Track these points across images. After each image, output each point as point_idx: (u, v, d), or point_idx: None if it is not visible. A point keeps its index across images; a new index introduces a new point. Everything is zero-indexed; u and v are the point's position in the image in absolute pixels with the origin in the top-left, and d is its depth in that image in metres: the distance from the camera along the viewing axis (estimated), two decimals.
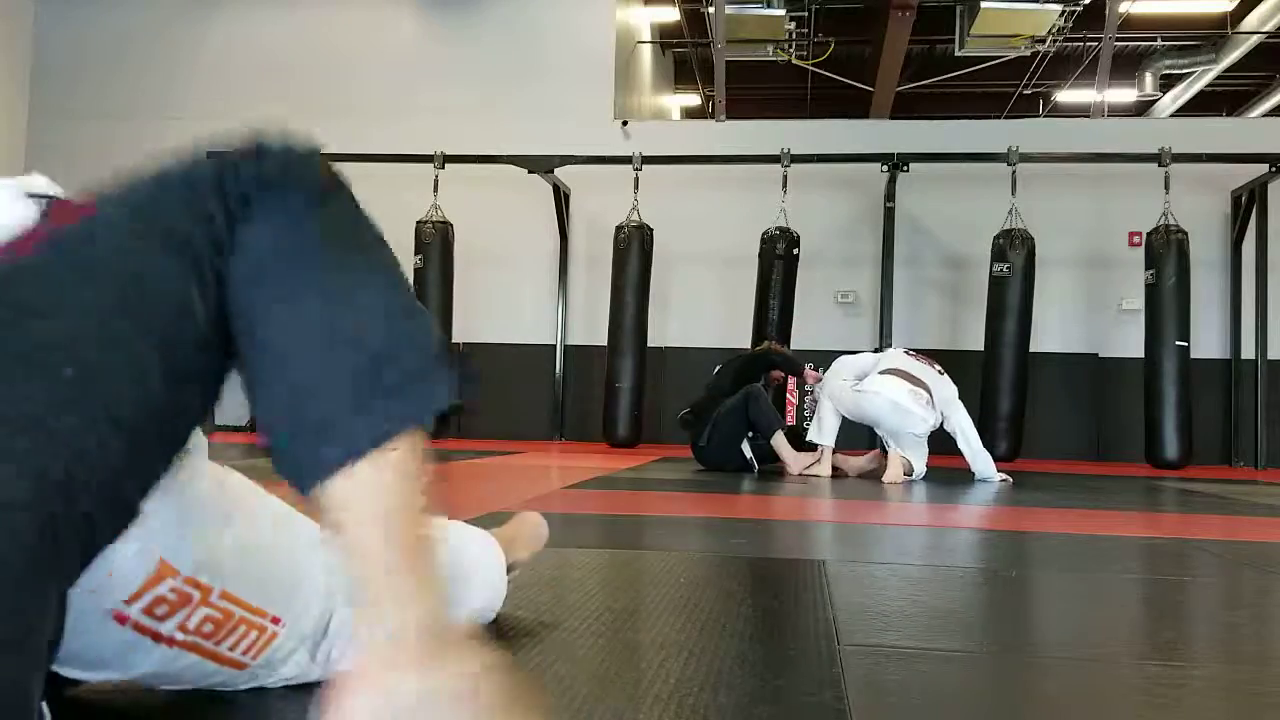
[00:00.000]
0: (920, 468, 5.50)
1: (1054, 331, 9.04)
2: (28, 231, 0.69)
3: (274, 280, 0.72)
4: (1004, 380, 8.11)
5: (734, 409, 5.65)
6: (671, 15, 12.29)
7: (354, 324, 0.73)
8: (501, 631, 1.54)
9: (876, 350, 6.57)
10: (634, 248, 8.55)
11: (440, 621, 0.71)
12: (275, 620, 1.03)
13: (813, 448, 5.67)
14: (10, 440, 0.59)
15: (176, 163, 0.73)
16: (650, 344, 8.71)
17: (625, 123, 9.82)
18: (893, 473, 5.33)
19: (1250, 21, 11.10)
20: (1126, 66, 12.40)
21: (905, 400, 5.28)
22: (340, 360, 0.72)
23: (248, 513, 1.04)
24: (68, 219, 0.70)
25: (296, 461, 0.70)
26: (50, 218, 0.72)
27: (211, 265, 0.71)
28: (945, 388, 5.55)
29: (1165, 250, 7.92)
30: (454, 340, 8.97)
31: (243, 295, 0.71)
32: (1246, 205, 8.71)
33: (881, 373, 5.46)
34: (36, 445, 0.60)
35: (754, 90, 13.77)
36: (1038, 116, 13.55)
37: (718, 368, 6.28)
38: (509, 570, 1.47)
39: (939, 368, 5.65)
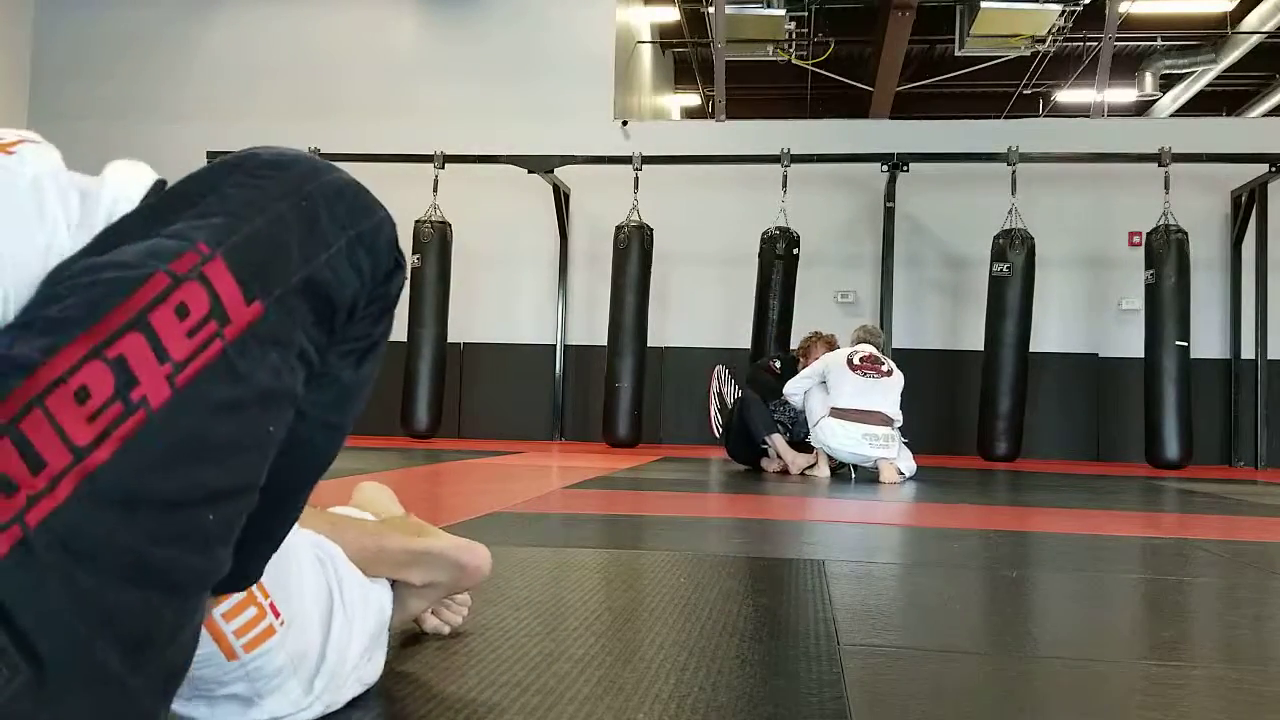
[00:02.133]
0: (909, 466, 5.50)
1: (1054, 331, 9.04)
2: None
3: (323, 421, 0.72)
4: (1004, 380, 8.11)
5: (738, 415, 6.01)
6: (671, 15, 12.29)
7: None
8: (501, 631, 1.54)
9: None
10: (634, 248, 8.55)
11: None
12: (274, 610, 0.99)
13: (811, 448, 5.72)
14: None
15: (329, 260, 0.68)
16: (650, 344, 8.71)
17: (625, 123, 9.83)
18: (888, 474, 5.34)
19: (1250, 21, 11.10)
20: (1126, 66, 12.40)
21: (862, 449, 5.37)
22: (286, 520, 0.78)
23: None
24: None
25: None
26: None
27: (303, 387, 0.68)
28: (897, 390, 5.56)
29: (1165, 250, 7.92)
30: (452, 341, 8.98)
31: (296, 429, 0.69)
32: (1246, 205, 8.71)
33: (833, 414, 5.42)
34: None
35: (754, 90, 13.78)
36: (1038, 116, 13.54)
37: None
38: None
39: (887, 365, 5.62)
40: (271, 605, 0.99)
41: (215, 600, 0.93)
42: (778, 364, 6.31)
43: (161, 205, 0.67)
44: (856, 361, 5.55)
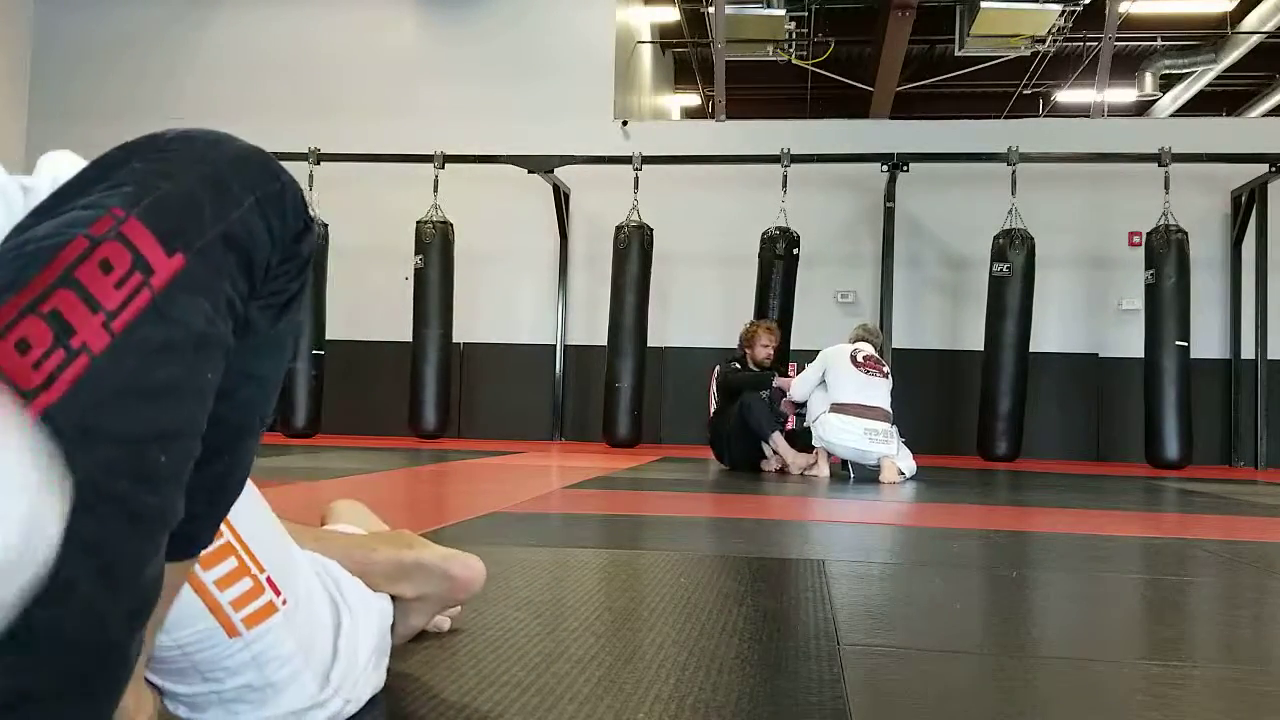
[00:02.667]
0: (909, 466, 5.51)
1: (1054, 331, 9.04)
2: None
3: (255, 367, 0.76)
4: (1004, 380, 8.11)
5: (738, 419, 5.97)
6: (671, 15, 12.29)
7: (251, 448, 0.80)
8: (501, 631, 1.54)
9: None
10: (634, 248, 8.55)
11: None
12: (273, 585, 0.97)
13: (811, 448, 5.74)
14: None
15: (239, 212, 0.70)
16: (650, 344, 8.71)
17: (625, 122, 9.83)
18: (889, 473, 5.35)
19: (1250, 21, 11.10)
20: (1126, 66, 12.40)
21: (862, 444, 5.40)
22: (239, 472, 0.79)
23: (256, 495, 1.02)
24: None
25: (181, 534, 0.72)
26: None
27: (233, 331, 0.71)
28: (890, 388, 5.64)
29: (1165, 250, 7.92)
30: (455, 341, 8.98)
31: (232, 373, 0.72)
32: (1246, 205, 8.71)
33: (833, 410, 5.46)
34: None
35: (754, 90, 13.77)
36: (1038, 116, 13.54)
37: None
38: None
39: (886, 366, 5.71)
40: (269, 580, 0.98)
41: (214, 564, 0.92)
42: (737, 364, 6.33)
43: (74, 184, 0.70)
44: (860, 359, 5.57)
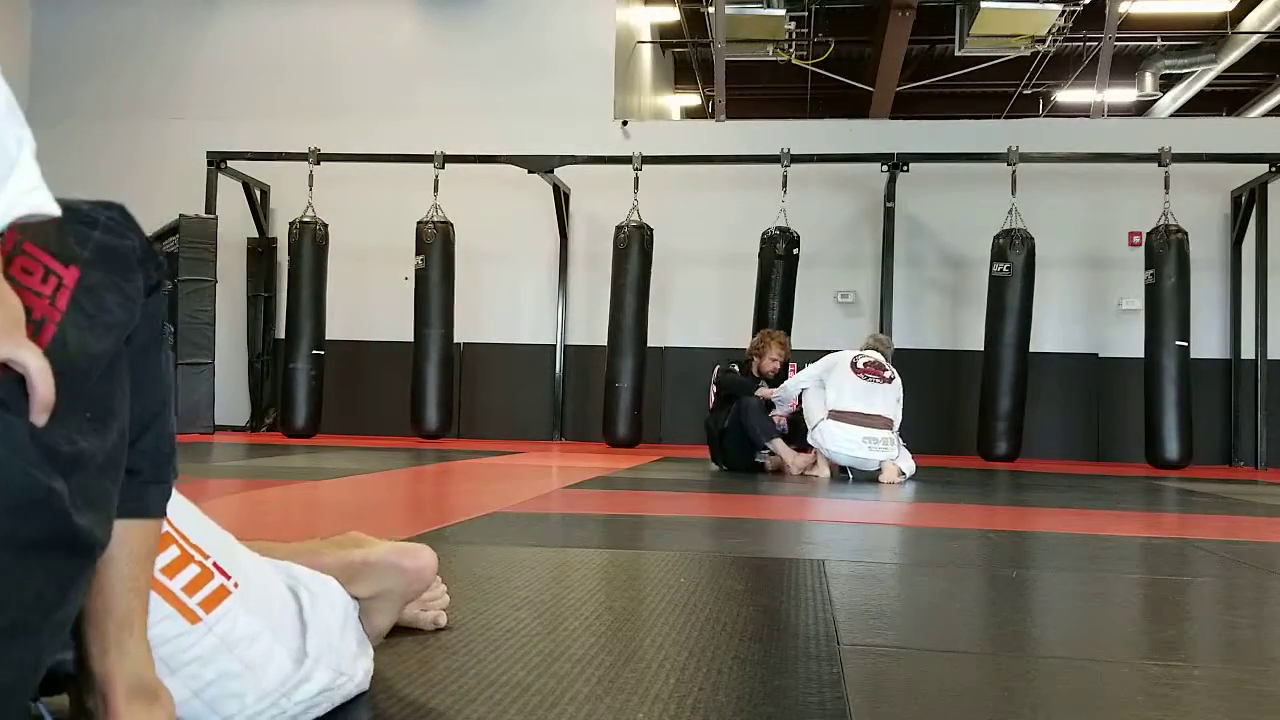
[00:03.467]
0: (909, 466, 5.50)
1: (1054, 331, 9.04)
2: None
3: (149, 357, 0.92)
4: (1004, 380, 8.11)
5: (734, 421, 5.93)
6: (671, 15, 12.29)
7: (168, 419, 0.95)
8: (501, 631, 1.54)
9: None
10: (634, 248, 8.55)
11: (144, 680, 0.90)
12: (221, 570, 1.00)
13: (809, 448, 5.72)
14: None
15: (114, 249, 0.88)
16: (650, 344, 8.71)
17: (625, 123, 9.83)
18: (889, 473, 5.34)
19: (1250, 21, 11.10)
20: (1126, 66, 12.40)
21: (862, 452, 5.38)
22: (165, 443, 0.94)
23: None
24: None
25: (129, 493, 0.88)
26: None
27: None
28: (895, 395, 5.58)
29: (1165, 250, 7.92)
30: (455, 341, 8.98)
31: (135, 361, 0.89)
32: (1246, 205, 8.71)
33: (832, 417, 5.43)
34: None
35: (754, 90, 13.78)
36: (1038, 116, 13.55)
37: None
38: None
39: (889, 372, 5.64)
40: (216, 565, 1.01)
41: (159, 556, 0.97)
42: (735, 367, 6.28)
43: None
44: (860, 365, 5.55)
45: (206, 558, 1.00)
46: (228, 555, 1.03)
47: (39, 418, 0.75)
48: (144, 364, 0.90)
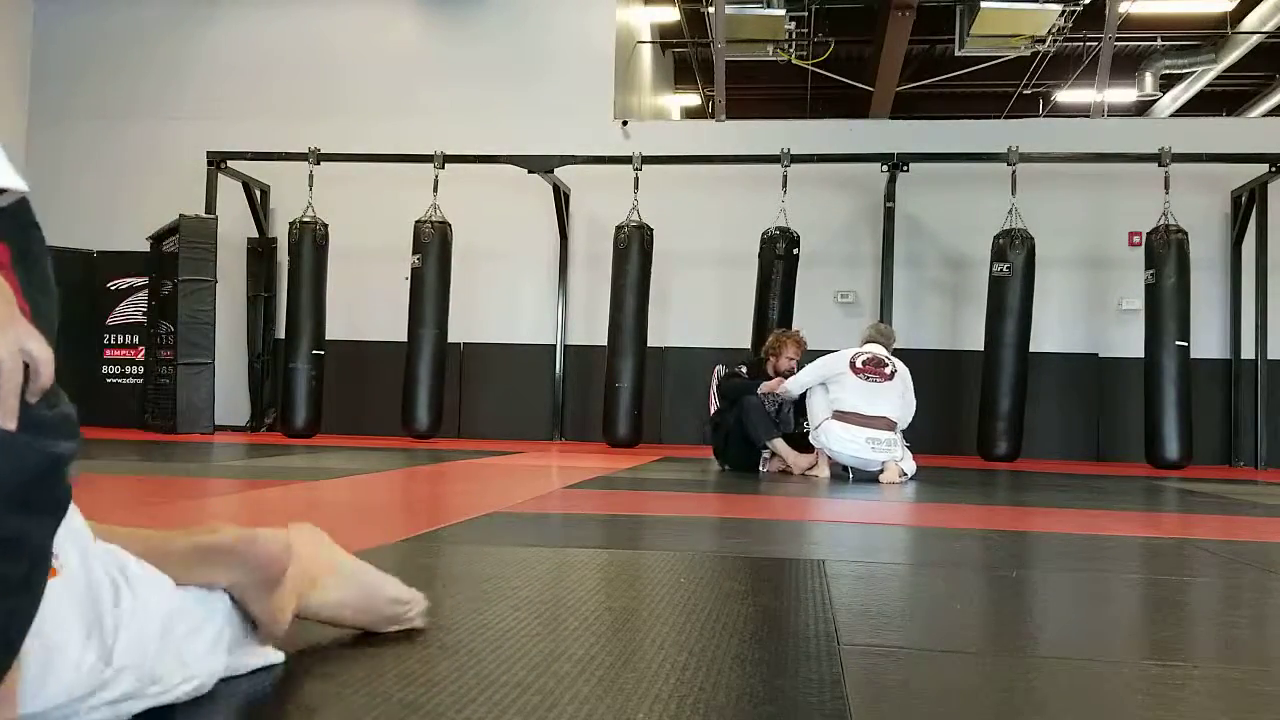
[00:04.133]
0: (910, 466, 5.49)
1: (1054, 331, 9.04)
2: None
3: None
4: (1004, 380, 8.11)
5: (736, 423, 5.93)
6: (671, 15, 12.29)
7: None
8: (501, 631, 1.54)
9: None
10: (634, 248, 8.55)
11: None
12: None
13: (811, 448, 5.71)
14: None
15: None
16: (650, 344, 8.71)
17: (625, 123, 9.83)
18: (891, 473, 5.33)
19: (1250, 21, 11.11)
20: (1126, 66, 12.40)
21: (865, 453, 5.37)
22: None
23: None
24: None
25: None
26: None
27: None
28: (899, 391, 5.53)
29: (1165, 250, 7.92)
30: (452, 341, 8.98)
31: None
32: (1246, 205, 8.71)
33: (835, 417, 5.42)
34: None
35: (754, 90, 13.78)
36: (1038, 116, 13.55)
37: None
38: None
39: (891, 367, 5.57)
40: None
41: None
42: (744, 369, 6.26)
43: None
44: (859, 365, 5.52)
45: None
46: (63, 537, 0.97)
47: (34, 398, 0.78)
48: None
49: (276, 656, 1.29)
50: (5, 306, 0.77)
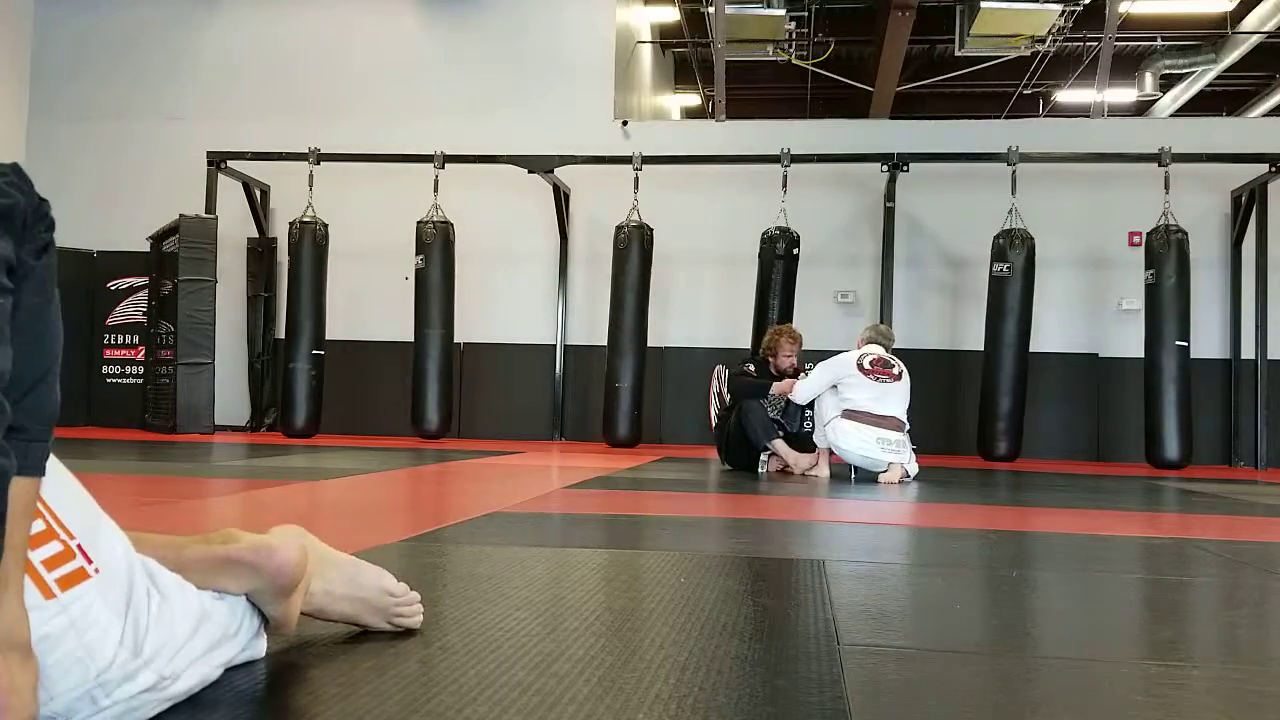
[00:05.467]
0: (913, 468, 5.49)
1: (1054, 331, 9.04)
2: None
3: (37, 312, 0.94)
4: (1004, 380, 8.11)
5: (736, 423, 5.96)
6: (671, 15, 12.29)
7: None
8: (501, 631, 1.54)
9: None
10: (634, 248, 8.55)
11: (19, 636, 0.91)
12: (84, 553, 1.00)
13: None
14: None
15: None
16: (650, 344, 8.71)
17: (625, 123, 9.83)
18: (893, 473, 5.33)
19: (1250, 21, 11.10)
20: (1126, 66, 12.40)
21: (874, 453, 5.37)
22: (50, 403, 0.96)
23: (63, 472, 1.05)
24: None
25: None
26: None
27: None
28: (905, 393, 5.56)
29: (1165, 250, 7.92)
30: (455, 341, 8.98)
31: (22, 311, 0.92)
32: (1246, 205, 8.71)
33: (845, 415, 5.42)
34: None
35: (754, 90, 13.78)
36: (1038, 116, 13.55)
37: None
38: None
39: (897, 368, 5.58)
40: (80, 548, 1.00)
41: None
42: (751, 367, 6.26)
43: None
44: (868, 365, 5.53)
45: (72, 538, 1.00)
46: (92, 536, 1.04)
47: None
48: (35, 324, 0.92)
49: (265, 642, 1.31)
50: None
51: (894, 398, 5.48)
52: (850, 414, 5.41)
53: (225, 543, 1.28)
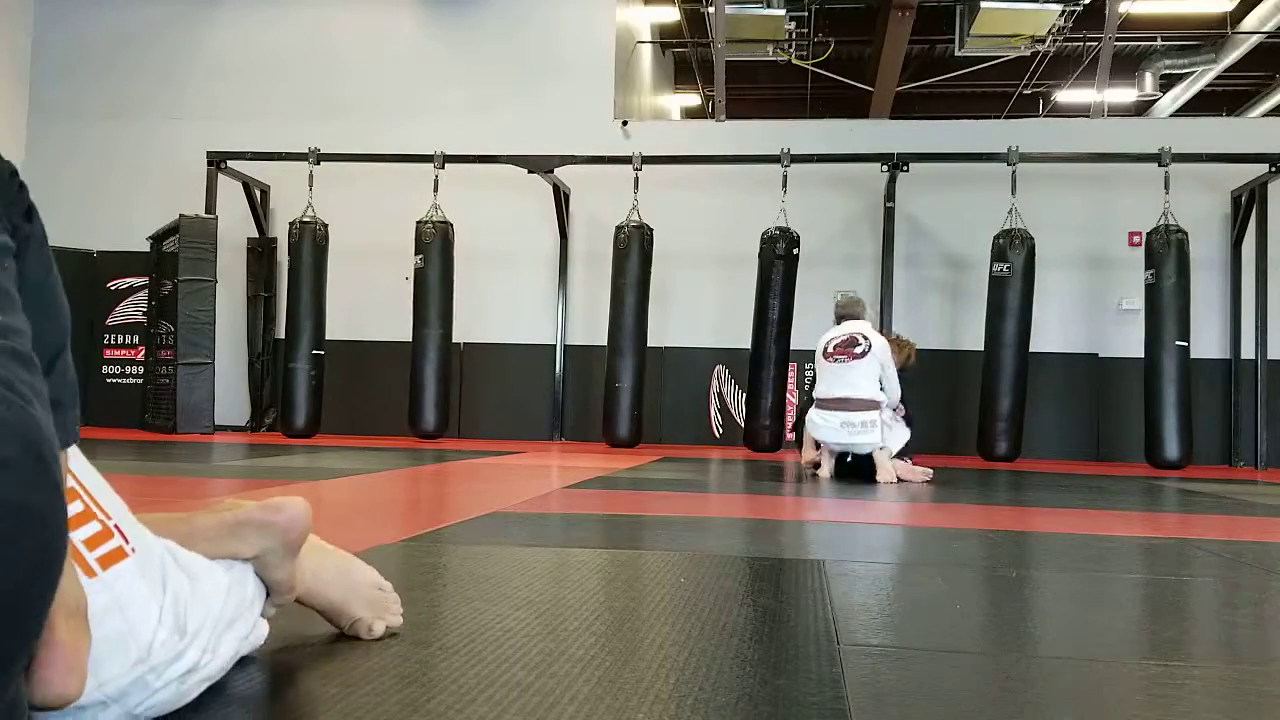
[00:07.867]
0: (895, 443, 5.44)
1: (1054, 331, 9.04)
2: None
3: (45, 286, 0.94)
4: (1004, 380, 8.11)
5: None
6: (671, 15, 12.29)
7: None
8: (501, 631, 1.54)
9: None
10: (634, 248, 8.55)
11: (79, 601, 0.91)
12: (122, 533, 1.00)
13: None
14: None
15: None
16: (650, 344, 8.71)
17: (625, 123, 9.83)
18: (886, 473, 5.31)
19: (1250, 21, 11.11)
20: (1126, 66, 12.40)
21: (843, 437, 5.37)
22: (72, 370, 0.96)
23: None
24: None
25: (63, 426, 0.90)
26: None
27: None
28: (870, 367, 5.44)
29: (1165, 250, 7.92)
30: (455, 341, 8.98)
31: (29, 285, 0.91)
32: (1246, 205, 8.71)
33: (814, 405, 5.51)
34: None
35: (754, 90, 13.79)
36: (1038, 116, 13.55)
37: None
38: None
39: (861, 346, 5.46)
40: (118, 528, 1.01)
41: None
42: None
43: None
44: (830, 350, 5.52)
45: (109, 518, 1.01)
46: (126, 518, 1.04)
47: None
48: (46, 291, 0.91)
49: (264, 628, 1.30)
50: None
51: (855, 375, 5.39)
52: (818, 403, 5.45)
53: (231, 509, 1.29)
